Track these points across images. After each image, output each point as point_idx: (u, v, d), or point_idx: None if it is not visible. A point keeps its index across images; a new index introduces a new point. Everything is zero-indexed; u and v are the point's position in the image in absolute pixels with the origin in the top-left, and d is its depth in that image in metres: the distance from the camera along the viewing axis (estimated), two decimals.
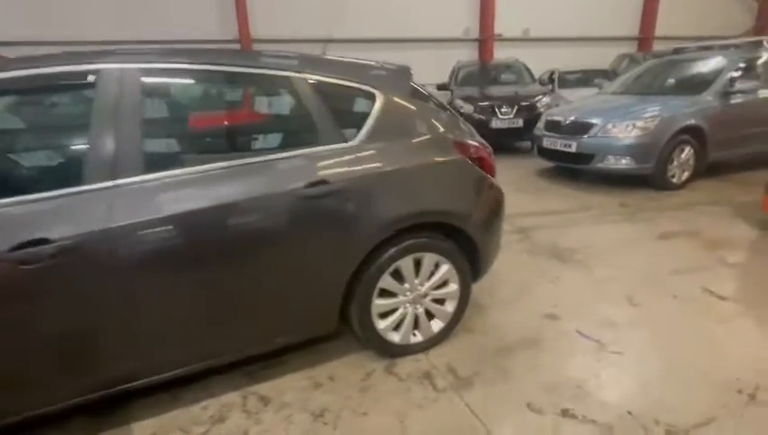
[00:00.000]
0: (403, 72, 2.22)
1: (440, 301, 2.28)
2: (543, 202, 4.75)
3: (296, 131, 1.93)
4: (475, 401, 1.93)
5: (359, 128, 1.97)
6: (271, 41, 9.93)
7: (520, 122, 7.02)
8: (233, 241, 1.71)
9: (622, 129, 4.82)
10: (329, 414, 1.88)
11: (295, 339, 2.08)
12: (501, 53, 11.15)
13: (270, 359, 2.20)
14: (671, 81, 5.72)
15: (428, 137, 2.11)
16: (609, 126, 4.89)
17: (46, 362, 1.55)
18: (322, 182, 1.82)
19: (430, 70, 9.65)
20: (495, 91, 7.74)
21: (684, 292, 2.74)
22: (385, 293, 2.10)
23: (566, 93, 8.60)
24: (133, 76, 1.64)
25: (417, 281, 2.16)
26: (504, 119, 7.07)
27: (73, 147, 1.88)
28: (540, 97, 7.34)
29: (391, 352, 2.22)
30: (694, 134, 4.87)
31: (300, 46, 9.98)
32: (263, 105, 1.94)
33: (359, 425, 1.83)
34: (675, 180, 4.94)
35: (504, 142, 7.46)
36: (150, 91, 1.67)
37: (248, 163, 1.75)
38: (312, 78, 1.91)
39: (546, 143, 5.54)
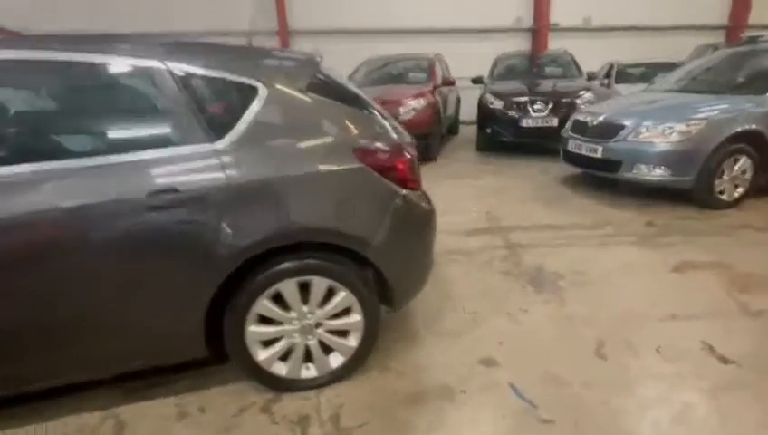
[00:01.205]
0: (305, 63, 1.90)
1: (342, 332, 1.95)
2: (553, 214, 4.15)
3: (149, 130, 1.68)
4: None
5: (230, 127, 1.68)
6: (311, 32, 9.88)
7: (554, 121, 6.29)
8: (57, 252, 1.52)
9: (658, 132, 4.06)
10: None
11: (159, 362, 1.86)
12: (558, 45, 10.20)
13: (158, 376, 2.00)
14: (736, 76, 4.76)
15: (320, 140, 1.78)
16: (643, 129, 4.14)
17: None
18: (170, 190, 1.57)
19: (476, 62, 9.09)
20: (532, 85, 7.01)
21: (674, 345, 2.16)
22: (267, 320, 1.82)
23: (625, 89, 7.63)
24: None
25: (305, 308, 1.85)
26: (537, 117, 6.39)
27: None
28: (581, 93, 6.53)
29: (277, 386, 1.93)
30: (752, 141, 3.99)
31: (340, 37, 9.84)
32: (110, 99, 1.70)
33: None
34: (724, 197, 4.10)
35: (537, 143, 6.76)
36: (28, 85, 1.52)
37: (83, 165, 1.53)
38: (177, 68, 1.65)
39: (571, 146, 4.87)
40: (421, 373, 2.06)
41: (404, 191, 1.88)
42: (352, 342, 1.96)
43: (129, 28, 8.66)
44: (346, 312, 1.91)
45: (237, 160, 1.65)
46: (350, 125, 1.86)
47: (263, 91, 1.73)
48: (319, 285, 1.82)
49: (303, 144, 1.76)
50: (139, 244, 1.58)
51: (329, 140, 1.80)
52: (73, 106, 1.70)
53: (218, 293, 1.70)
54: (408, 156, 1.93)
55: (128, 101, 1.74)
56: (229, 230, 1.63)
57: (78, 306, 1.59)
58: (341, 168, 1.76)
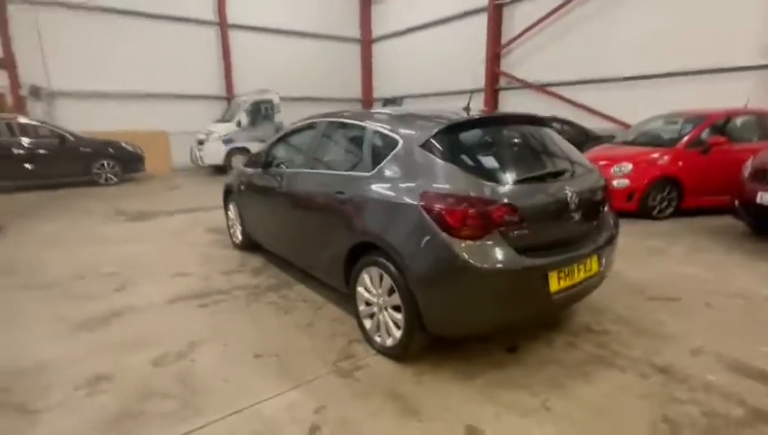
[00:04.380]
0: (436, 126, 2.55)
1: (397, 324, 2.61)
2: None
3: (350, 161, 3.05)
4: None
5: (378, 163, 2.76)
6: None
7: None
8: (308, 207, 3.32)
9: None
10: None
11: (330, 282, 3.28)
12: None
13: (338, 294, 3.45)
14: None
15: (408, 181, 2.50)
16: None
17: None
18: (340, 193, 2.91)
19: None
20: None
21: None
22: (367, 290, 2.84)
23: None
24: (321, 124, 3.48)
25: (380, 291, 2.69)
26: None
27: (307, 154, 3.68)
28: None
29: (363, 332, 2.91)
30: None
31: None
32: (343, 143, 3.21)
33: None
34: None
35: None
36: (326, 132, 3.45)
37: (322, 173, 3.24)
38: (372, 127, 2.92)
39: None
40: (424, 397, 2.33)
41: (443, 234, 2.25)
42: (398, 333, 2.58)
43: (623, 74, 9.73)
44: (399, 309, 2.56)
45: (370, 184, 2.73)
46: (432, 175, 2.43)
47: (400, 143, 2.66)
48: (386, 279, 2.60)
49: (398, 181, 2.56)
50: (328, 212, 3.07)
51: (413, 181, 2.48)
52: (320, 145, 3.47)
53: (350, 257, 2.89)
54: (458, 208, 2.24)
55: (349, 144, 3.23)
56: (355, 220, 2.79)
57: (304, 233, 3.40)
58: (404, 202, 2.44)
